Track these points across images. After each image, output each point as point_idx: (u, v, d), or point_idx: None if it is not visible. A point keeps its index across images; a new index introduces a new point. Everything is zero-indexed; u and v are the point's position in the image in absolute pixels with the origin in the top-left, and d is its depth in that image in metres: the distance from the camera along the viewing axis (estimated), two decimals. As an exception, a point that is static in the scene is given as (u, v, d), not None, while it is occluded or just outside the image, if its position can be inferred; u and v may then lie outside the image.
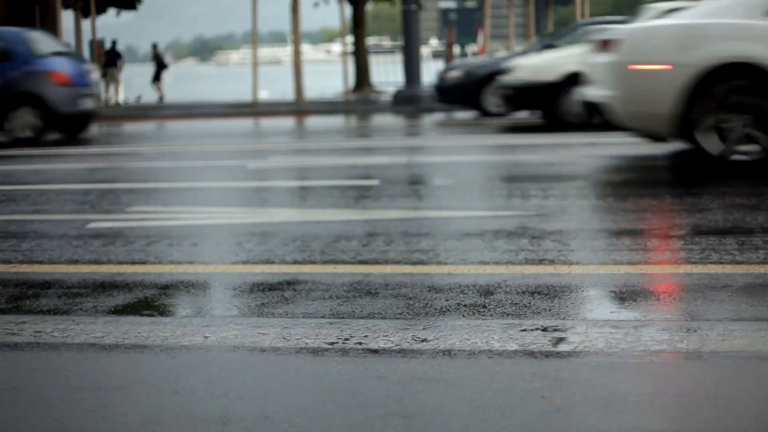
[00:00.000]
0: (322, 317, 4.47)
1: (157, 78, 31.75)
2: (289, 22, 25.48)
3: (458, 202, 8.05)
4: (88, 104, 16.38)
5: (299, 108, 23.29)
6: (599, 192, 8.51)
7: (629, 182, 9.06)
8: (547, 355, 3.68)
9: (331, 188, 9.05)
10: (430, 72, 24.80)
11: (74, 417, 3.17)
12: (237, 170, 10.92)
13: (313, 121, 20.47)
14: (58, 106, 15.66)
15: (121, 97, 28.77)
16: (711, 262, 5.41)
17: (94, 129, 17.90)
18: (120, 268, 5.76)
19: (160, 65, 32.17)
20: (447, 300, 4.75)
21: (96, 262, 5.95)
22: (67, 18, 26.94)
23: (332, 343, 3.89)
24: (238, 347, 3.89)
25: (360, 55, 32.39)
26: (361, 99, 26.93)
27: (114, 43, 29.46)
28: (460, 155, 12.12)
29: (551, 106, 15.38)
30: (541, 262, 5.56)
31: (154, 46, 32.74)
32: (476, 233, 6.48)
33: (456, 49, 34.75)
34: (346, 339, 3.94)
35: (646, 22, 11.19)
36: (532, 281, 5.08)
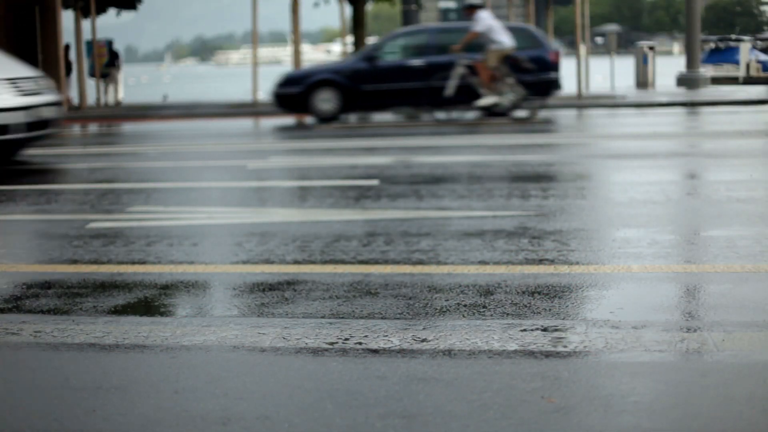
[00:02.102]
0: (322, 317, 4.47)
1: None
2: (289, 22, 25.46)
3: (458, 202, 8.05)
4: None
5: (299, 108, 23.22)
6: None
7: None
8: (547, 355, 3.68)
9: (331, 188, 9.05)
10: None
11: (74, 417, 3.17)
12: (237, 170, 10.92)
13: (313, 121, 20.45)
14: None
15: (121, 96, 28.75)
16: None
17: (93, 128, 17.89)
18: (120, 268, 5.76)
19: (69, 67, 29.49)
20: (447, 300, 4.75)
21: (96, 262, 5.95)
22: (67, 18, 26.89)
23: (332, 343, 3.89)
24: (238, 347, 3.89)
25: (360, 56, 32.35)
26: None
27: (110, 43, 29.35)
28: (464, 155, 12.12)
29: None
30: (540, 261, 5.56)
31: (67, 47, 29.63)
32: (476, 233, 6.48)
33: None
34: (346, 339, 3.94)
35: None
36: (532, 281, 5.08)
